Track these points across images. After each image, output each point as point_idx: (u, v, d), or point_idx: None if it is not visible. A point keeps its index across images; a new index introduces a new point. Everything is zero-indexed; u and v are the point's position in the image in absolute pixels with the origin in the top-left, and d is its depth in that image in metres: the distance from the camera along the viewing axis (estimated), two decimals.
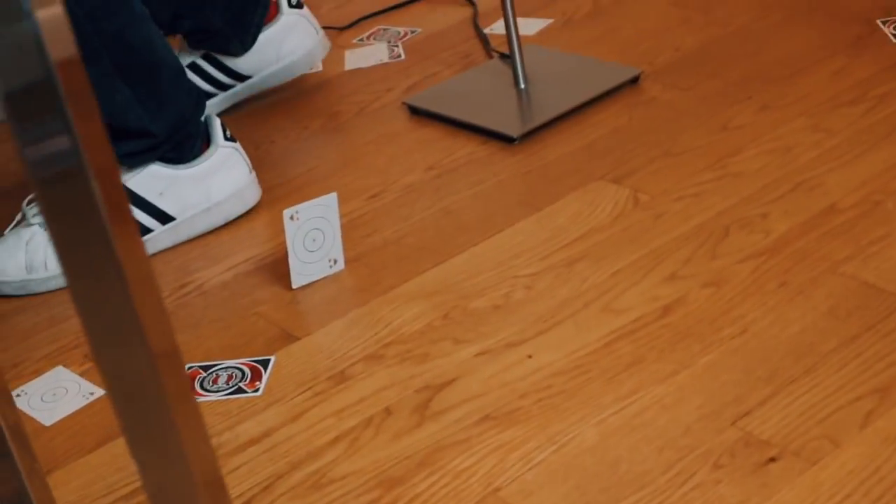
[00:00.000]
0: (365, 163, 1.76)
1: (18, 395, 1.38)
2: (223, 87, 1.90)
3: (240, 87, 1.91)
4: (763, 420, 1.13)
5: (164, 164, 1.60)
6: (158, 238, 1.60)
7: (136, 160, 1.58)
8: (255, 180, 1.67)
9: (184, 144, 1.61)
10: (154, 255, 1.61)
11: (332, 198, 1.48)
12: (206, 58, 1.88)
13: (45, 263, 1.56)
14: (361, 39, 2.20)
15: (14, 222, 1.61)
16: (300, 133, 1.88)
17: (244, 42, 1.87)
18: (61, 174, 0.57)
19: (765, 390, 1.17)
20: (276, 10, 1.91)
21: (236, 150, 1.64)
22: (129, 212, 0.61)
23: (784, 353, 1.21)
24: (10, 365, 1.43)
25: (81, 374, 1.39)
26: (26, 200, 1.60)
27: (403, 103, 1.89)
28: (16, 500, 1.05)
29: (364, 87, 2.00)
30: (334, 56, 2.13)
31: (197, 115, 1.61)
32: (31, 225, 1.58)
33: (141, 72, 1.52)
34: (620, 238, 1.46)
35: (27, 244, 1.57)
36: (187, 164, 1.61)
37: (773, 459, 1.09)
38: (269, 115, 1.96)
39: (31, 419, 1.33)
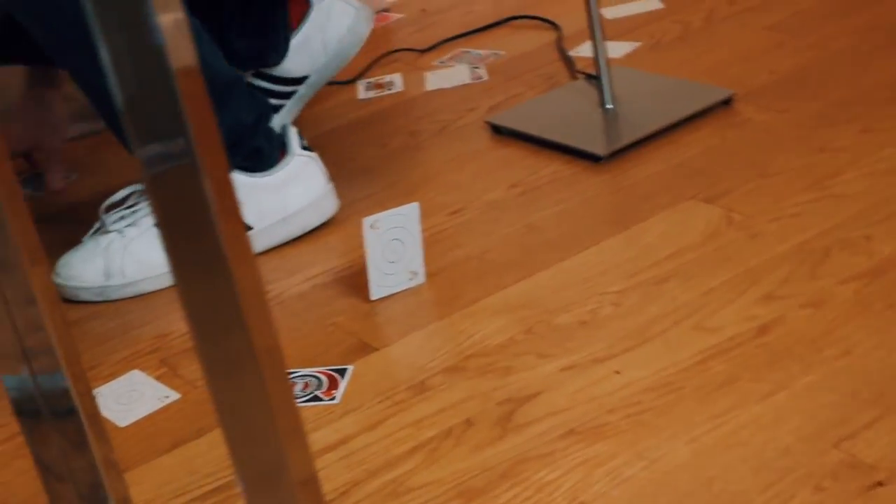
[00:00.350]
0: (446, 180, 1.74)
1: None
2: (286, 96, 1.88)
3: (302, 89, 1.88)
4: (869, 443, 1.09)
5: (241, 173, 1.59)
6: None
7: None
8: (333, 191, 1.65)
9: (258, 154, 1.60)
10: None
11: (413, 208, 1.45)
12: (256, 75, 1.86)
13: (123, 270, 1.55)
14: (443, 61, 2.19)
15: (93, 230, 1.61)
16: (380, 150, 1.87)
17: (278, 50, 1.85)
18: (174, 172, 0.58)
19: (870, 413, 1.12)
20: (307, 2, 1.88)
21: (313, 159, 1.63)
22: (239, 210, 0.61)
23: (891, 376, 1.17)
24: (87, 367, 1.41)
25: (157, 379, 1.37)
26: (104, 208, 1.59)
27: (486, 122, 1.88)
28: (90, 493, 1.04)
29: (445, 107, 1.99)
30: (415, 78, 2.12)
31: (261, 123, 1.60)
32: (109, 232, 1.58)
33: None
34: (713, 257, 1.42)
35: (105, 251, 1.56)
36: (264, 173, 1.60)
37: (880, 484, 1.04)
38: (348, 134, 1.95)
39: (106, 420, 1.31)
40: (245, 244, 0.62)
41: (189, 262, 0.62)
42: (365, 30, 1.89)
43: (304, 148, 1.64)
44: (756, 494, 1.04)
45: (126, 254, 1.56)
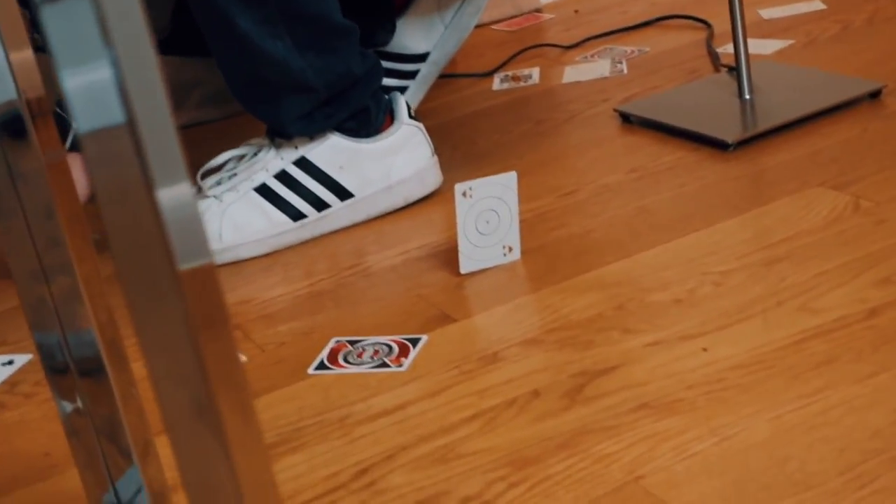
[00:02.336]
0: (565, 164, 1.66)
1: None
2: (409, 76, 1.83)
3: (425, 67, 1.83)
4: None
5: (344, 137, 1.54)
6: (336, 215, 1.55)
7: (311, 124, 1.52)
8: (437, 164, 1.60)
9: (364, 114, 1.55)
10: (330, 234, 1.56)
11: (510, 177, 1.38)
12: (378, 54, 1.81)
13: (220, 235, 1.52)
14: (586, 57, 2.11)
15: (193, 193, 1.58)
16: (503, 136, 1.80)
17: (385, 28, 1.80)
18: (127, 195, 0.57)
19: None
20: None
21: (420, 130, 1.58)
22: (210, 254, 0.58)
23: None
24: None
25: None
26: (200, 174, 1.56)
27: (615, 110, 1.79)
28: (107, 427, 0.99)
29: (578, 98, 1.91)
30: (553, 72, 2.06)
31: (371, 81, 1.55)
32: (207, 197, 1.55)
33: (306, 22, 1.47)
34: (832, 241, 1.30)
35: (203, 215, 1.53)
36: (369, 139, 1.55)
37: None
38: (474, 121, 1.89)
39: None
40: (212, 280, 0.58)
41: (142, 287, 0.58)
42: None
43: (412, 118, 1.58)
44: (835, 475, 0.93)
45: (224, 219, 1.52)
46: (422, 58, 1.85)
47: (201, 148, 1.71)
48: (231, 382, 0.62)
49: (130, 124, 0.55)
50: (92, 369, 0.95)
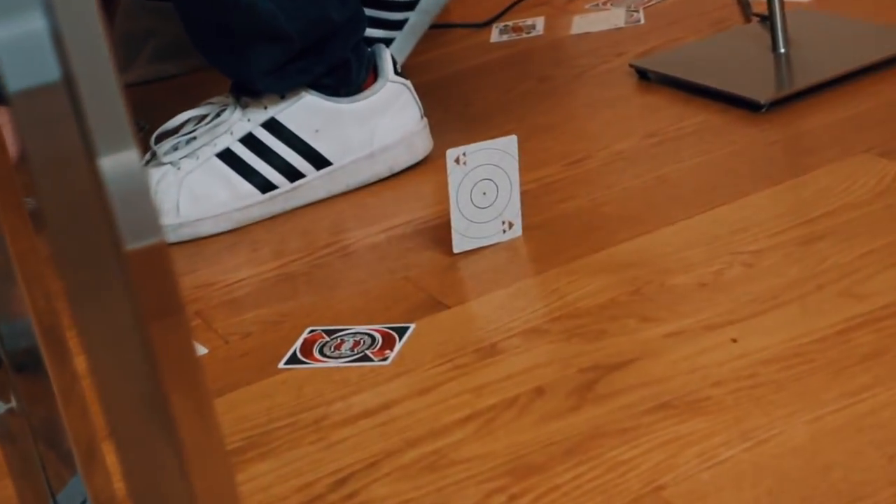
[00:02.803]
0: (573, 127, 1.65)
1: None
2: (397, 26, 1.82)
3: (413, 16, 1.82)
4: None
5: (321, 95, 1.52)
6: (312, 185, 1.54)
7: (283, 80, 1.51)
8: (427, 127, 1.59)
9: (344, 69, 1.54)
10: (304, 207, 1.55)
11: (510, 141, 1.36)
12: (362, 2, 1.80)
13: (178, 208, 1.50)
14: (597, 5, 2.09)
15: (142, 162, 1.56)
16: (502, 96, 1.79)
17: None
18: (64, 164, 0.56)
19: None
20: None
21: (407, 88, 1.57)
22: (161, 232, 0.57)
23: None
24: None
25: None
26: (155, 137, 1.54)
27: (631, 65, 1.77)
28: (47, 431, 0.97)
29: (588, 52, 1.89)
30: (560, 22, 2.05)
31: (352, 31, 1.54)
32: (163, 164, 1.53)
33: None
34: (880, 216, 1.28)
35: (157, 185, 1.51)
36: (349, 98, 1.54)
37: None
38: (470, 78, 1.88)
39: None
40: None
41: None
42: None
43: (398, 74, 1.57)
44: (884, 486, 0.91)
45: (182, 189, 1.51)
46: (410, 5, 1.84)
47: (156, 108, 1.70)
48: (186, 379, 0.61)
49: (67, 82, 0.54)
50: (28, 363, 0.94)
